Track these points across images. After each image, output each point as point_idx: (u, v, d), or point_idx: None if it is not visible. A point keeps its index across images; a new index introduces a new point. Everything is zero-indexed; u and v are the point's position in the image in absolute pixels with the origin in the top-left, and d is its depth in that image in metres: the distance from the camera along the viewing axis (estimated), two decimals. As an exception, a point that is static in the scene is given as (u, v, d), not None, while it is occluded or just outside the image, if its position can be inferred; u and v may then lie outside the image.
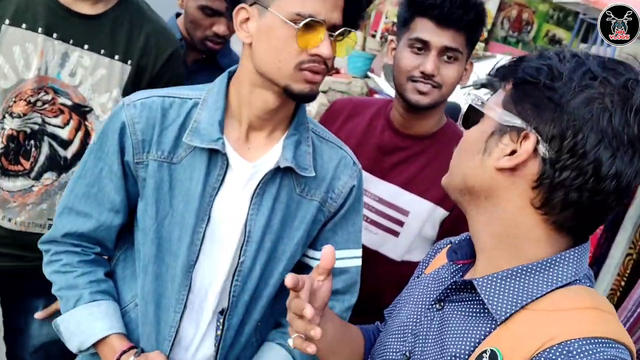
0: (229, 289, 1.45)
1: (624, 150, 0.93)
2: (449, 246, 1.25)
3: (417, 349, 1.09)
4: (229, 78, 1.47)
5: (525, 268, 1.00)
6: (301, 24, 1.29)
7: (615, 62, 0.96)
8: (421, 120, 1.86)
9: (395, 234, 1.86)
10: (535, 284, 0.98)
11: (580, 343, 0.87)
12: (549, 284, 0.98)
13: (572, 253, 1.00)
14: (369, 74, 9.74)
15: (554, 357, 0.87)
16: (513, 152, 0.98)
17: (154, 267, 1.44)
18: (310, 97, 1.37)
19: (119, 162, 1.44)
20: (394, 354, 1.14)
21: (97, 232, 1.48)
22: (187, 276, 1.43)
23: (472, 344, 0.98)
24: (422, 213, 1.80)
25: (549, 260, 0.99)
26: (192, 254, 1.42)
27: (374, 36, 13.22)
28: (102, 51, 1.80)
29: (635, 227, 2.57)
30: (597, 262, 2.80)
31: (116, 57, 1.82)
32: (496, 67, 1.04)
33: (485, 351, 0.94)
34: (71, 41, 1.77)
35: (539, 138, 0.95)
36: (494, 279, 1.00)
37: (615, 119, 0.91)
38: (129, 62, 1.84)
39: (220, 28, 2.13)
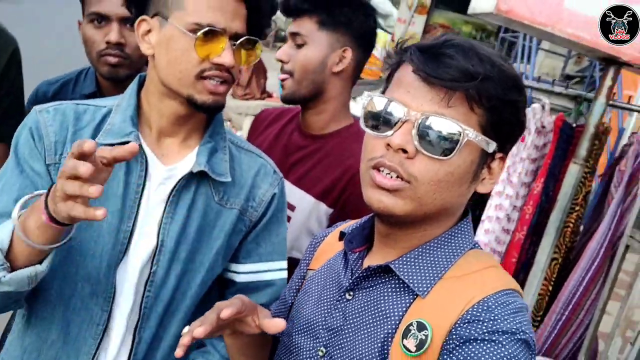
0: (140, 301, 1.38)
1: None
2: (331, 235, 1.29)
3: (334, 342, 1.09)
4: (141, 83, 1.43)
5: (432, 244, 1.07)
6: (199, 33, 1.29)
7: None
8: (313, 117, 1.87)
9: None
10: (445, 256, 1.06)
11: (495, 297, 0.98)
12: (455, 253, 1.06)
13: (466, 224, 1.10)
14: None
15: (477, 314, 0.96)
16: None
17: (63, 268, 1.35)
18: (214, 108, 1.36)
19: (39, 161, 1.36)
20: (307, 352, 1.12)
21: None
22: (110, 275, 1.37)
23: (397, 319, 1.02)
24: (306, 208, 1.84)
25: (450, 233, 1.08)
26: (117, 254, 1.37)
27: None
28: None
29: (559, 232, 2.62)
30: (524, 268, 2.84)
31: None
32: (451, 75, 0.97)
33: (411, 324, 0.99)
34: None
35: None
36: (408, 260, 1.06)
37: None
38: None
39: (112, 35, 1.91)
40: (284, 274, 1.53)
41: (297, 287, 1.30)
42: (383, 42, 11.26)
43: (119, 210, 1.36)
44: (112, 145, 1.34)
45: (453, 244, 1.07)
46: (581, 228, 2.89)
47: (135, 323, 1.39)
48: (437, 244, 1.06)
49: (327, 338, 1.10)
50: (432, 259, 1.05)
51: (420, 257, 1.06)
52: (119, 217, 1.36)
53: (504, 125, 1.02)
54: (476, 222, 3.00)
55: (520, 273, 2.89)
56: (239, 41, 1.34)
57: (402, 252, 1.07)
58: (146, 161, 1.38)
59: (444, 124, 0.97)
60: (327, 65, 1.80)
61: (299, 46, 1.80)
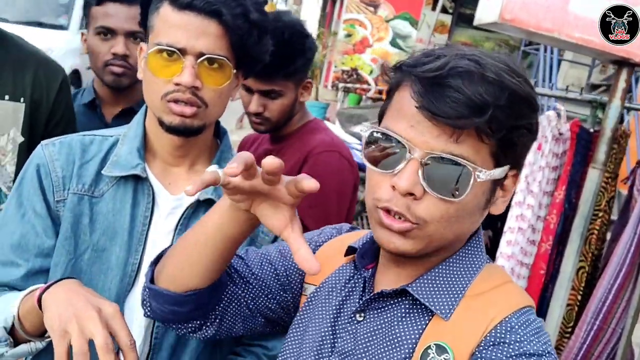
0: (150, 332, 1.36)
1: None
2: (328, 245, 1.21)
3: None
4: (146, 111, 1.44)
5: (447, 264, 1.02)
6: (150, 51, 1.28)
7: None
8: (281, 129, 2.12)
9: None
10: (463, 275, 1.01)
11: (516, 316, 0.95)
12: (473, 271, 1.02)
13: (477, 240, 1.04)
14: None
15: (501, 335, 0.92)
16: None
17: None
18: (183, 130, 1.33)
19: (41, 202, 1.36)
20: None
21: (28, 280, 1.36)
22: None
23: (413, 342, 0.97)
24: None
25: (464, 251, 1.03)
26: (125, 286, 1.36)
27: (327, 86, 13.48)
28: None
29: (583, 239, 2.57)
30: (552, 279, 2.78)
31: (6, 97, 1.79)
32: (459, 114, 0.89)
33: (429, 347, 0.95)
34: None
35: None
36: (425, 281, 1.01)
37: None
38: (22, 99, 1.82)
39: (118, 47, 2.06)
40: None
41: (278, 278, 1.19)
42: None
43: (126, 243, 1.36)
44: (118, 177, 1.36)
45: (469, 262, 1.02)
46: (609, 235, 2.83)
47: (147, 354, 1.37)
48: (453, 263, 1.02)
49: None
50: (450, 279, 1.00)
51: (437, 278, 1.01)
52: (127, 250, 1.36)
53: (516, 148, 0.96)
54: (497, 233, 2.96)
55: (550, 284, 2.83)
56: (199, 60, 1.28)
57: (416, 272, 1.02)
58: (153, 192, 1.38)
59: (453, 164, 0.91)
60: (298, 99, 2.05)
61: (274, 98, 1.98)
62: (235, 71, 1.34)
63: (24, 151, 1.78)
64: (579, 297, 2.71)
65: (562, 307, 2.61)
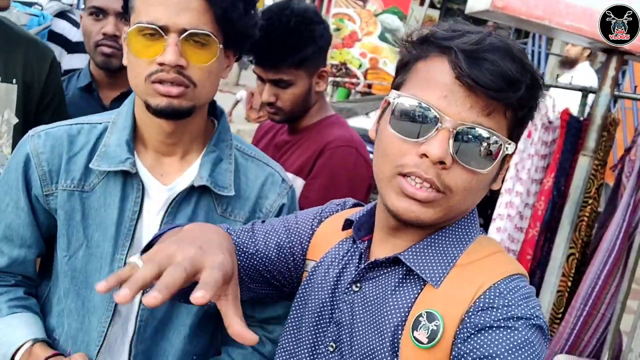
0: (135, 315, 1.36)
1: None
2: (328, 223, 1.23)
3: (344, 336, 1.05)
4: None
5: (440, 234, 1.04)
6: (129, 30, 1.23)
7: None
8: (300, 120, 2.04)
9: None
10: (455, 245, 1.03)
11: (505, 282, 0.96)
12: (465, 241, 1.04)
13: (473, 213, 1.07)
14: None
15: (490, 301, 0.94)
16: None
17: (68, 301, 1.35)
18: (171, 112, 1.26)
19: (25, 196, 1.35)
20: (317, 347, 1.09)
21: (11, 267, 1.38)
22: (109, 308, 1.35)
23: (406, 310, 0.99)
24: None
25: (460, 223, 1.05)
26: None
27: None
28: None
29: (573, 226, 2.59)
30: (540, 265, 2.81)
31: None
32: (497, 86, 0.92)
33: (420, 314, 0.97)
34: None
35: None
36: (417, 250, 1.03)
37: None
38: (14, 81, 1.81)
39: (108, 27, 2.04)
40: None
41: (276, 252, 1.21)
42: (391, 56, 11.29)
43: (113, 238, 1.33)
44: (107, 172, 1.32)
45: (462, 232, 1.05)
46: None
47: (131, 337, 1.37)
48: (446, 233, 1.04)
49: (335, 332, 1.07)
50: (442, 248, 1.03)
51: (429, 247, 1.03)
52: (114, 245, 1.33)
53: (524, 126, 1.02)
54: (488, 220, 2.99)
55: (537, 270, 2.87)
56: (182, 36, 1.21)
57: (411, 242, 1.05)
58: (142, 187, 1.34)
59: (485, 136, 0.94)
60: (312, 89, 1.96)
61: (284, 87, 1.91)
62: (221, 46, 1.28)
63: (19, 133, 1.77)
64: (569, 284, 2.74)
65: (552, 294, 2.64)
